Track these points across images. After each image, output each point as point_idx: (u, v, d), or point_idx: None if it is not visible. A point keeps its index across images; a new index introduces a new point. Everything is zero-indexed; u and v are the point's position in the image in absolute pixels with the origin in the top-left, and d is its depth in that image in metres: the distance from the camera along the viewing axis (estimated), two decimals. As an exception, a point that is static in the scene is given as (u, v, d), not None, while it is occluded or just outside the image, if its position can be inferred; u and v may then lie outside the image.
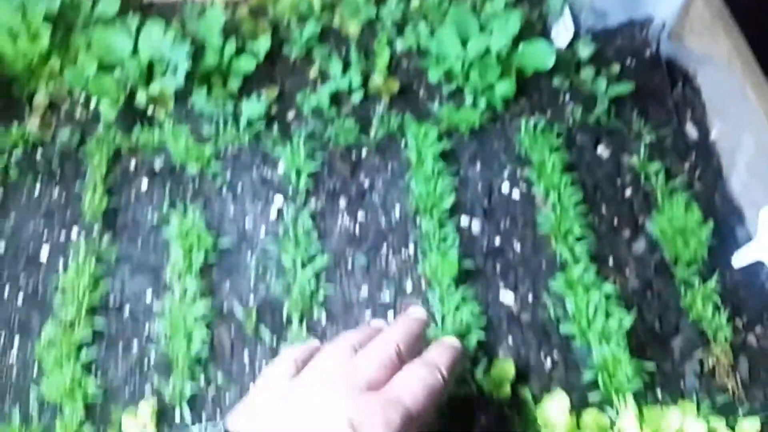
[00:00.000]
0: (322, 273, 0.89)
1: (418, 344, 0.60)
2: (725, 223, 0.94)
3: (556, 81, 1.08)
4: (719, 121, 1.01)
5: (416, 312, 0.65)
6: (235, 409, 0.56)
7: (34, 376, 0.81)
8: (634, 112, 1.04)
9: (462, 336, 0.82)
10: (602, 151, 1.02)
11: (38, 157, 1.01)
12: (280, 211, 0.95)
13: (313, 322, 0.85)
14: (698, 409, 0.77)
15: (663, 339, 0.84)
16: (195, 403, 0.79)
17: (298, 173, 0.97)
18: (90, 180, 0.98)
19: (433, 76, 1.07)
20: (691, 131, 1.03)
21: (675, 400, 0.78)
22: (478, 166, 1.00)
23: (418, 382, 0.51)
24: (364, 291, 0.88)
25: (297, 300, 0.85)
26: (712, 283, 0.85)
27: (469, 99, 1.05)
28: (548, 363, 0.82)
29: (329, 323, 0.85)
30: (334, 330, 0.85)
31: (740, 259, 0.89)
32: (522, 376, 0.81)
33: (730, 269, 0.90)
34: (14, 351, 0.83)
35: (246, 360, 0.82)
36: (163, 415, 0.78)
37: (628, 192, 0.97)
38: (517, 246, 0.92)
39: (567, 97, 1.07)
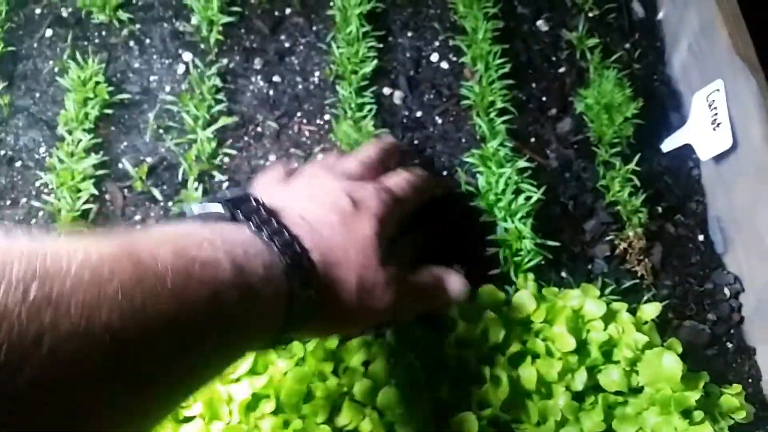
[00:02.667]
0: (227, 136, 0.80)
1: (394, 159, 0.65)
2: (660, 107, 0.85)
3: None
4: (669, 0, 0.89)
5: (388, 136, 0.71)
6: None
7: None
8: (580, -15, 0.92)
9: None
10: (542, 24, 0.90)
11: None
12: (187, 67, 0.84)
13: (212, 184, 0.76)
14: (602, 293, 0.70)
15: (575, 220, 0.77)
16: (79, 260, 0.71)
17: (211, 26, 0.85)
18: (-15, 24, 0.86)
19: (370, -69, 0.93)
20: (638, 9, 0.91)
21: (581, 284, 0.71)
22: (409, 32, 0.89)
23: (402, 178, 0.58)
24: (272, 158, 0.79)
25: (194, 161, 0.76)
26: (633, 164, 0.77)
27: (406, -41, 0.91)
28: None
29: (230, 188, 0.76)
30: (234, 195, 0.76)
31: (670, 143, 0.80)
32: (425, 249, 0.73)
33: (659, 155, 0.82)
34: None
35: (137, 220, 0.74)
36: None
37: (562, 68, 0.87)
38: (438, 119, 0.83)
39: (513, -35, 0.94)
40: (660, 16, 0.91)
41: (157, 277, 0.32)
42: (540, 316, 0.68)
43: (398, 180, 0.56)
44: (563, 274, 0.73)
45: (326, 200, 0.48)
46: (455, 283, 0.58)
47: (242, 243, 0.40)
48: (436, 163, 0.79)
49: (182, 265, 0.34)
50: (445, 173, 0.79)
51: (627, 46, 0.88)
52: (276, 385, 0.63)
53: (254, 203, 0.44)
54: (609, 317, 0.68)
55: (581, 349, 0.66)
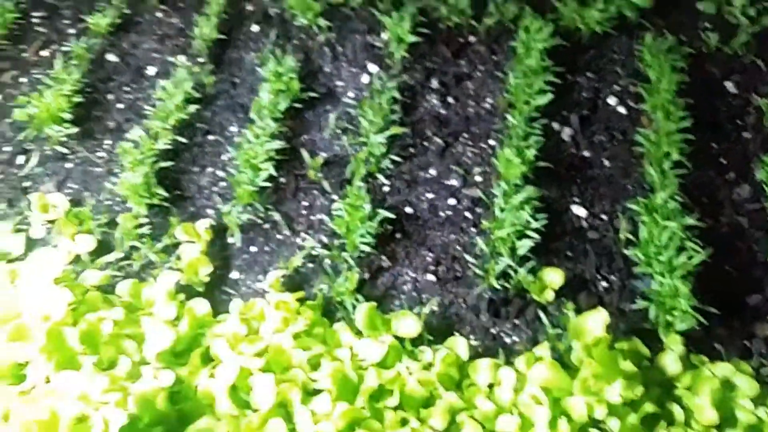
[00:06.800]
0: (396, 144, 0.83)
1: None
2: None
3: (703, 5, 0.92)
4: None
5: None
6: None
7: (114, 172, 0.82)
8: (782, 51, 0.86)
9: (518, 237, 0.73)
10: (730, 85, 0.86)
11: (166, -15, 1.00)
12: (371, 78, 0.88)
13: (374, 185, 0.79)
14: (758, 373, 0.65)
15: (739, 292, 0.71)
16: (249, 230, 0.77)
17: (399, 43, 0.89)
18: (209, 10, 0.95)
19: (565, -28, 0.93)
20: None
21: (732, 359, 0.66)
22: (589, 73, 0.87)
23: None
24: (433, 171, 0.81)
25: (363, 162, 0.79)
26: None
27: (598, 2, 0.91)
28: (603, 284, 0.72)
29: (390, 192, 0.79)
30: (393, 199, 0.79)
31: None
32: (571, 289, 0.71)
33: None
34: (105, 152, 0.84)
35: (303, 204, 0.79)
36: (217, 234, 0.76)
37: (747, 133, 0.82)
38: (606, 162, 0.81)
39: (707, 22, 0.90)
40: None
41: None
42: (684, 382, 0.63)
43: None
44: (715, 344, 0.68)
45: None
46: None
47: None
48: (597, 207, 0.77)
49: None
50: (604, 216, 0.76)
51: (826, 120, 0.81)
52: (402, 383, 0.64)
53: None
54: (761, 399, 0.62)
55: (723, 425, 0.61)
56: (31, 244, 0.76)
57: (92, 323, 0.64)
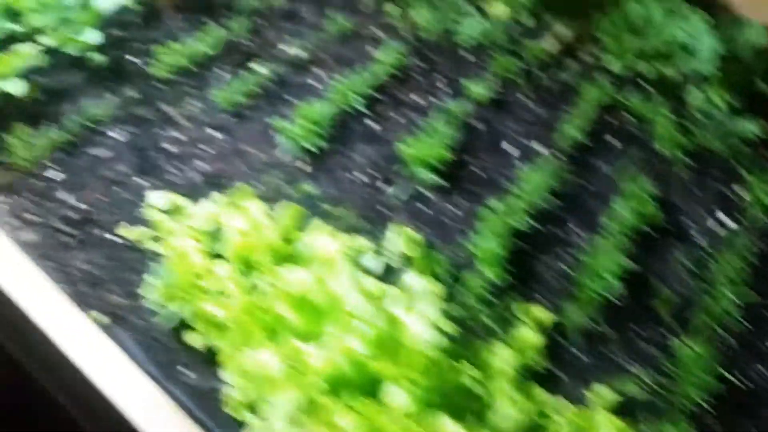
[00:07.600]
0: (748, 308, 0.81)
1: None
2: None
3: None
4: None
5: None
6: None
7: (464, 231, 0.87)
8: None
9: None
10: None
11: (543, 77, 1.07)
12: (723, 228, 0.88)
13: (719, 341, 0.78)
14: None
15: None
16: (581, 336, 0.79)
17: (760, 205, 0.89)
18: (576, 112, 1.01)
19: None
20: None
21: None
22: None
23: None
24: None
25: (709, 314, 0.79)
26: None
27: None
28: None
29: (735, 357, 0.77)
30: (737, 365, 0.76)
31: None
32: None
33: None
34: (460, 210, 0.90)
35: (641, 332, 0.80)
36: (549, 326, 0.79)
37: None
38: None
39: None
40: None
41: None
42: None
43: None
44: None
45: None
46: None
47: None
48: None
49: None
50: None
51: None
52: None
53: None
54: None
55: None
56: (386, 269, 0.82)
57: (455, 369, 0.68)
